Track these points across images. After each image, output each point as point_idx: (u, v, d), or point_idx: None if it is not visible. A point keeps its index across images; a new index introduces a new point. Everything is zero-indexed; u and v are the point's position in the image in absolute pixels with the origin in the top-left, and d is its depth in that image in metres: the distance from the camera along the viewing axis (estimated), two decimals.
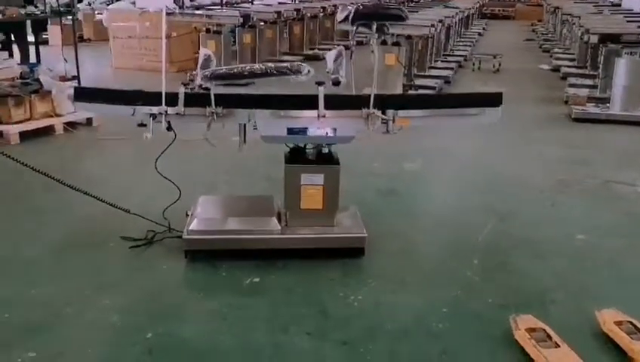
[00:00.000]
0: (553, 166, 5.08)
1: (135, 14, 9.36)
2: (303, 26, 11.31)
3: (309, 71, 2.97)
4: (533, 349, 2.45)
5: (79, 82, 7.05)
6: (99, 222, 3.68)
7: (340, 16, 3.50)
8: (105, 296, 2.92)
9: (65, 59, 7.25)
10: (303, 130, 3.15)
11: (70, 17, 8.93)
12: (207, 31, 8.70)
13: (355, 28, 3.34)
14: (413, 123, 3.20)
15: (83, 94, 3.33)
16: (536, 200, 4.33)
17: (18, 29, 8.52)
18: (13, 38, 8.59)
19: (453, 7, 12.31)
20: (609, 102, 6.81)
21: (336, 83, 3.06)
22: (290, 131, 3.16)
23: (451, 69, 9.44)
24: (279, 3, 12.31)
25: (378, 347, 2.58)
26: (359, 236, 3.34)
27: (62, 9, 8.20)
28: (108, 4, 11.91)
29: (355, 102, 3.13)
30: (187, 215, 3.44)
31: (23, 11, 7.86)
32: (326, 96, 3.03)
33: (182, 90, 3.06)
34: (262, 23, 9.74)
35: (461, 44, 12.55)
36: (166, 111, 3.05)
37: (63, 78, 6.94)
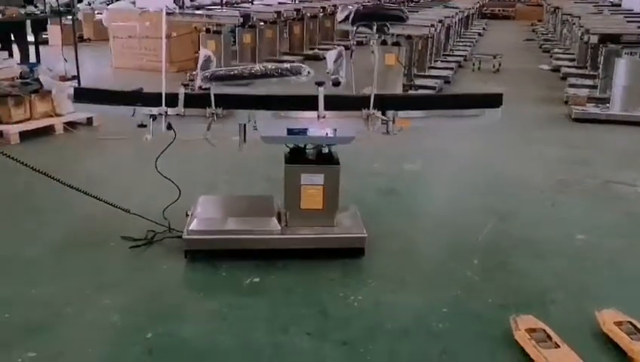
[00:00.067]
0: (553, 166, 5.08)
1: (135, 14, 9.36)
2: (303, 25, 11.31)
3: (309, 72, 2.97)
4: (533, 349, 2.45)
5: (79, 82, 7.06)
6: (99, 221, 3.68)
7: (340, 16, 3.50)
8: (105, 296, 2.92)
9: (65, 59, 7.25)
10: (303, 131, 3.15)
11: (70, 17, 8.93)
12: (207, 31, 8.69)
13: (355, 28, 3.34)
14: (413, 123, 3.20)
15: (83, 95, 3.33)
16: (536, 200, 4.33)
17: (18, 29, 8.53)
18: (13, 38, 8.60)
19: (453, 7, 12.31)
20: (609, 103, 6.80)
21: (337, 83, 3.06)
22: (290, 132, 3.16)
23: (451, 69, 9.44)
24: (279, 3, 12.31)
25: (378, 347, 2.58)
26: (359, 236, 3.34)
27: (62, 9, 8.20)
28: (108, 4, 11.90)
29: (355, 103, 3.13)
30: (187, 215, 3.44)
31: (22, 11, 7.86)
32: (326, 97, 3.03)
33: (182, 91, 3.07)
34: (262, 23, 9.74)
35: (461, 44, 12.55)
36: (166, 112, 3.05)
37: (63, 78, 6.95)
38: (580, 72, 9.10)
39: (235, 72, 3.06)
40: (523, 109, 6.96)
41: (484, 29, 16.62)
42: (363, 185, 4.38)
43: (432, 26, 8.25)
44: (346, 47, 3.46)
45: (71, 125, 5.86)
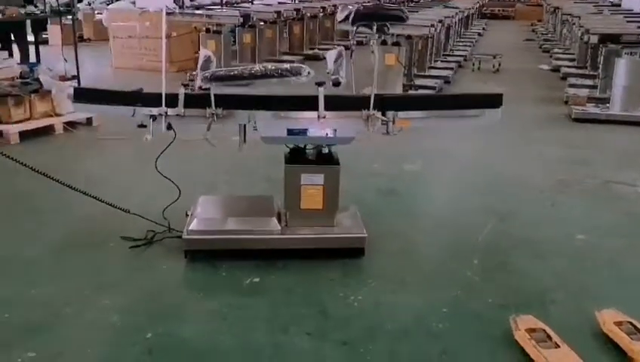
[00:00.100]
0: (553, 166, 5.08)
1: (135, 14, 9.36)
2: (302, 25, 11.31)
3: (309, 72, 2.97)
4: (533, 349, 2.45)
5: (79, 82, 7.06)
6: (98, 222, 3.68)
7: (340, 16, 3.50)
8: (105, 296, 2.92)
9: (65, 59, 7.25)
10: (303, 131, 3.15)
11: (70, 17, 8.93)
12: (207, 31, 8.69)
13: (355, 28, 3.33)
14: (413, 124, 3.20)
15: (83, 95, 3.33)
16: (536, 200, 4.33)
17: (18, 29, 8.53)
18: (13, 38, 8.60)
19: (453, 7, 12.31)
20: (609, 103, 6.80)
21: (337, 84, 3.05)
22: (290, 132, 3.16)
23: (451, 69, 9.44)
24: (279, 3, 12.31)
25: (378, 347, 2.58)
26: (359, 236, 3.34)
27: (62, 9, 8.20)
28: (108, 4, 11.91)
29: (355, 103, 3.13)
30: (187, 215, 3.44)
31: (22, 11, 7.85)
32: (326, 97, 3.03)
33: (182, 91, 3.06)
34: (262, 23, 9.74)
35: (461, 44, 12.55)
36: (166, 113, 3.05)
37: (63, 78, 6.94)
38: (580, 72, 9.10)
39: (235, 72, 3.05)
40: (523, 109, 6.97)
41: (483, 29, 16.62)
42: (363, 186, 4.38)
43: (432, 26, 8.25)
44: (346, 47, 3.46)
45: (71, 125, 5.86)
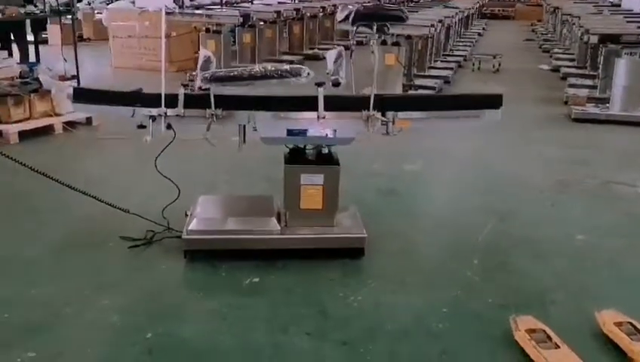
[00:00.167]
0: (553, 166, 5.08)
1: (135, 14, 9.36)
2: (302, 25, 11.30)
3: (308, 73, 2.97)
4: (533, 350, 2.45)
5: (79, 82, 7.05)
6: (98, 222, 3.67)
7: (340, 16, 3.49)
8: (104, 296, 2.92)
9: (64, 59, 7.24)
10: (303, 132, 3.15)
11: (70, 17, 8.92)
12: (207, 30, 8.69)
13: (355, 28, 3.33)
14: (413, 124, 3.20)
15: (82, 95, 3.32)
16: (536, 200, 4.33)
17: (17, 28, 8.52)
18: (12, 38, 8.59)
19: (453, 7, 12.31)
20: (609, 103, 6.80)
21: (336, 84, 3.05)
22: (290, 133, 3.16)
23: (451, 69, 9.43)
24: (279, 3, 12.30)
25: (378, 347, 2.58)
26: (359, 236, 3.34)
27: (61, 8, 8.20)
28: (107, 4, 11.91)
29: (354, 104, 3.13)
30: (186, 215, 3.44)
31: (22, 10, 7.85)
32: (326, 98, 3.03)
33: (181, 92, 3.06)
34: (261, 23, 9.74)
35: (461, 44, 12.54)
36: (165, 113, 3.04)
37: (63, 78, 6.94)
38: (580, 72, 9.10)
39: (235, 73, 3.05)
40: (523, 109, 6.96)
41: (483, 29, 16.62)
42: (363, 186, 4.37)
43: (432, 26, 8.25)
44: (346, 47, 3.45)
45: (70, 125, 5.85)
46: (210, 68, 3.12)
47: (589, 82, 8.16)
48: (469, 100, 3.46)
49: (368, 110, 3.07)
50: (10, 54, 7.86)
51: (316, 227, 3.31)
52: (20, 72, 6.30)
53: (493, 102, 3.26)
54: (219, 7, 11.67)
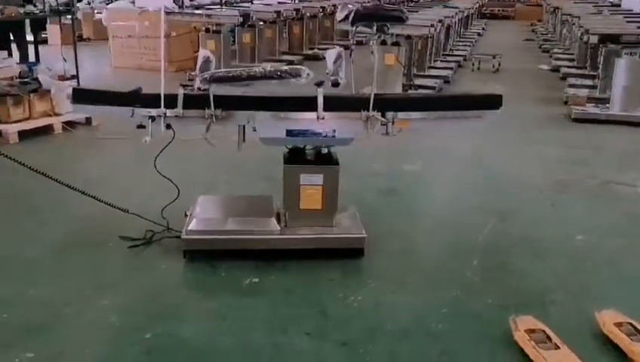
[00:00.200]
0: (553, 166, 5.08)
1: (134, 13, 9.35)
2: (302, 25, 11.30)
3: (308, 74, 2.96)
4: (533, 350, 2.45)
5: (78, 81, 7.05)
6: (98, 222, 3.67)
7: (339, 16, 3.49)
8: (104, 296, 2.91)
9: (64, 59, 7.24)
10: (302, 133, 3.15)
11: (69, 16, 8.92)
12: (207, 30, 8.67)
13: (354, 28, 3.33)
14: (413, 125, 3.20)
15: (81, 95, 3.32)
16: (536, 200, 4.33)
17: (17, 28, 8.52)
18: (12, 37, 8.59)
19: (453, 7, 12.31)
20: (609, 103, 6.80)
21: (336, 84, 3.05)
22: (290, 133, 3.15)
23: (451, 69, 9.43)
24: (279, 2, 12.30)
25: (378, 347, 2.57)
26: (358, 236, 3.33)
27: (61, 8, 8.20)
28: (107, 4, 11.90)
29: (354, 104, 3.12)
30: (186, 215, 3.43)
31: (22, 10, 7.84)
32: (325, 98, 3.03)
33: (181, 92, 3.05)
34: (261, 23, 9.73)
35: (461, 44, 12.54)
36: (165, 114, 3.04)
37: (62, 78, 6.94)
38: (580, 72, 9.10)
39: (234, 73, 3.04)
40: (523, 109, 6.96)
41: (483, 29, 16.62)
42: (362, 185, 4.37)
43: (432, 25, 8.25)
44: (346, 47, 3.45)
45: (70, 125, 5.85)
46: (210, 68, 3.12)
47: (588, 82, 8.16)
48: (468, 101, 3.46)
49: (368, 110, 3.06)
50: (10, 54, 7.85)
51: (316, 227, 3.31)
52: (20, 72, 6.30)
53: (493, 102, 3.26)
54: (218, 7, 11.67)
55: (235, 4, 12.51)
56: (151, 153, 3.36)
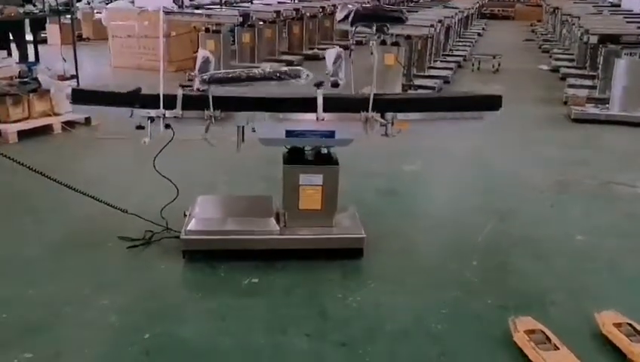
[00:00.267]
0: (553, 166, 5.08)
1: (134, 13, 9.34)
2: (302, 25, 11.29)
3: (307, 75, 2.96)
4: (533, 351, 2.44)
5: (78, 81, 7.04)
6: (97, 222, 3.67)
7: (339, 16, 3.48)
8: (103, 296, 2.91)
9: (63, 58, 7.23)
10: (301, 133, 3.15)
11: (69, 16, 8.91)
12: (207, 30, 8.67)
13: (354, 28, 3.32)
14: (412, 126, 3.19)
15: (81, 96, 3.31)
16: (535, 200, 4.32)
17: (17, 28, 8.52)
18: (11, 37, 8.59)
19: (453, 8, 12.31)
20: (608, 103, 6.80)
21: (335, 85, 3.05)
22: (289, 134, 3.15)
23: (450, 69, 9.43)
24: (278, 2, 12.30)
25: (377, 348, 2.57)
26: (358, 237, 3.33)
27: (61, 8, 8.18)
28: (107, 3, 11.89)
29: (354, 105, 3.12)
30: (185, 215, 3.43)
31: (21, 10, 7.84)
32: (325, 99, 3.03)
33: (180, 93, 3.05)
34: (261, 23, 9.73)
35: (460, 44, 12.54)
36: (164, 115, 3.03)
37: (62, 77, 6.93)
38: (580, 72, 9.10)
39: (233, 74, 3.04)
40: (522, 109, 6.96)
41: (483, 29, 16.62)
42: (362, 185, 4.36)
43: (432, 26, 8.24)
44: (345, 48, 3.45)
45: (69, 124, 5.84)
46: (209, 69, 3.11)
47: (588, 82, 8.15)
48: (468, 101, 3.45)
49: (367, 111, 3.06)
50: (10, 54, 7.85)
51: (315, 227, 3.31)
52: (19, 72, 6.30)
53: (492, 103, 3.26)
54: (218, 6, 11.66)
55: (234, 4, 12.51)
56: (150, 153, 3.35)
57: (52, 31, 10.81)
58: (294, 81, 2.96)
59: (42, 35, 10.88)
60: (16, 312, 2.78)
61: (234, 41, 9.49)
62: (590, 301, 2.90)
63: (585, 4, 13.58)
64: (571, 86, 8.05)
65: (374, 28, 3.26)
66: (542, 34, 15.56)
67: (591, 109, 6.81)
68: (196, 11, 9.58)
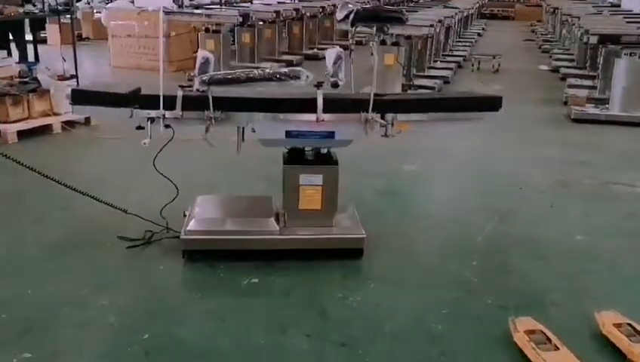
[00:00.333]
0: (553, 166, 5.08)
1: (134, 13, 9.34)
2: (302, 25, 11.29)
3: (307, 76, 2.95)
4: (532, 352, 2.44)
5: (77, 81, 7.04)
6: (97, 221, 3.66)
7: (339, 15, 3.48)
8: (103, 297, 2.91)
9: (63, 58, 7.23)
10: (301, 134, 3.14)
11: (69, 16, 8.91)
12: (207, 30, 8.68)
13: (354, 29, 3.32)
14: (412, 126, 3.19)
15: (80, 96, 3.30)
16: (535, 200, 4.32)
17: (16, 28, 8.52)
18: (11, 37, 8.59)
19: (453, 8, 12.31)
20: (608, 103, 6.80)
21: (335, 85, 3.05)
22: (289, 135, 3.15)
23: (450, 69, 9.43)
24: (278, 2, 12.30)
25: (377, 348, 2.57)
26: (358, 237, 3.33)
27: (60, 7, 8.19)
28: (107, 3, 11.88)
29: (353, 105, 3.12)
30: (185, 215, 3.42)
31: (21, 10, 7.83)
32: (325, 99, 3.02)
33: (180, 94, 3.04)
34: (261, 23, 9.73)
35: (460, 44, 12.54)
36: (164, 116, 3.03)
37: (62, 77, 6.93)
38: (580, 72, 9.10)
39: (233, 76, 3.03)
40: (522, 110, 6.96)
41: (483, 29, 16.63)
42: (362, 186, 4.36)
43: (432, 26, 8.24)
44: (345, 48, 3.44)
45: (69, 124, 5.84)
46: (209, 69, 3.10)
47: (588, 83, 8.16)
48: (468, 102, 3.45)
49: (367, 112, 3.05)
50: (9, 54, 7.85)
51: (315, 227, 3.30)
52: (19, 72, 6.30)
53: (492, 103, 3.26)
54: (218, 6, 11.66)
55: (234, 4, 12.52)
56: (150, 153, 3.34)
57: (52, 31, 10.81)
58: (294, 82, 2.95)
59: (42, 34, 10.88)
60: (15, 312, 2.78)
61: (234, 41, 9.49)
62: (590, 301, 2.90)
63: (585, 4, 13.58)
64: (571, 86, 8.06)
65: (374, 28, 3.26)
66: (542, 34, 15.57)
67: (591, 109, 6.81)
68: (196, 11, 9.59)
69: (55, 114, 5.87)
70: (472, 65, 10.19)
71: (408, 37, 7.78)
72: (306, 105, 3.06)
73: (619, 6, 14.86)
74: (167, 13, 8.57)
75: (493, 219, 3.89)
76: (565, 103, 7.25)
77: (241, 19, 8.98)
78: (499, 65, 10.02)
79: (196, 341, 2.60)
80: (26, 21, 8.68)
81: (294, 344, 2.59)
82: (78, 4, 11.89)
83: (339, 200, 3.34)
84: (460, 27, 12.98)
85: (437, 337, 2.66)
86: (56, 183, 3.38)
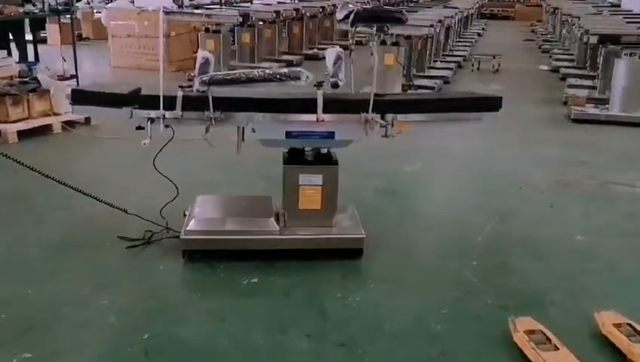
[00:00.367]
0: (553, 166, 5.08)
1: (134, 13, 9.34)
2: (302, 25, 11.29)
3: (307, 77, 2.95)
4: (532, 352, 2.44)
5: (77, 81, 7.04)
6: (97, 221, 3.66)
7: (339, 15, 3.48)
8: (102, 296, 2.91)
9: (63, 58, 7.23)
10: (301, 134, 3.14)
11: (69, 16, 8.91)
12: (207, 30, 8.68)
13: (354, 29, 3.32)
14: (412, 126, 3.19)
15: (81, 97, 3.30)
16: (535, 200, 4.32)
17: (16, 28, 8.52)
18: (11, 37, 8.58)
19: (453, 8, 12.31)
20: (608, 103, 6.80)
21: (335, 86, 3.04)
22: (289, 135, 3.15)
23: (450, 69, 9.43)
24: (278, 2, 12.29)
25: (377, 348, 2.57)
26: (358, 237, 3.33)
27: (60, 7, 8.19)
28: (107, 3, 11.88)
29: (353, 106, 3.12)
30: (185, 215, 3.42)
31: (21, 10, 7.83)
32: (325, 99, 3.02)
33: (179, 94, 3.04)
34: (261, 23, 9.73)
35: (460, 44, 12.54)
36: (164, 116, 3.03)
37: (62, 77, 6.93)
38: (580, 72, 9.10)
39: (233, 76, 3.03)
40: (522, 110, 6.96)
41: (483, 29, 16.63)
42: (361, 186, 4.36)
43: (432, 26, 8.24)
44: (345, 48, 3.45)
45: (69, 124, 5.84)
46: (209, 70, 3.10)
47: (588, 83, 8.16)
48: (468, 102, 3.45)
49: (367, 112, 3.05)
50: (9, 54, 7.85)
51: (315, 227, 3.30)
52: (19, 72, 6.30)
53: (492, 104, 3.26)
54: (218, 6, 11.67)
55: (234, 4, 12.52)
56: (150, 153, 3.35)
57: (52, 31, 10.81)
58: (294, 83, 2.95)
59: (42, 34, 10.88)
60: (15, 312, 2.78)
61: (234, 41, 9.49)
62: (590, 301, 2.90)
63: (585, 4, 13.58)
64: (571, 86, 8.06)
65: (374, 28, 3.26)
66: (542, 34, 15.57)
67: (591, 109, 6.81)
68: (196, 11, 9.59)
69: (55, 114, 5.88)
70: (472, 65, 10.19)
71: (408, 37, 7.78)
72: (306, 105, 3.07)
73: (619, 6, 14.87)
74: (167, 13, 8.57)
75: (493, 219, 3.89)
76: (565, 103, 7.26)
77: (241, 19, 8.98)
78: (499, 65, 10.02)
79: (196, 341, 2.60)
80: (26, 21, 8.67)
81: (294, 344, 2.59)
82: (78, 4, 11.90)
83: (339, 200, 3.34)
84: (459, 27, 12.98)
85: (437, 337, 2.66)
86: (57, 183, 3.38)
